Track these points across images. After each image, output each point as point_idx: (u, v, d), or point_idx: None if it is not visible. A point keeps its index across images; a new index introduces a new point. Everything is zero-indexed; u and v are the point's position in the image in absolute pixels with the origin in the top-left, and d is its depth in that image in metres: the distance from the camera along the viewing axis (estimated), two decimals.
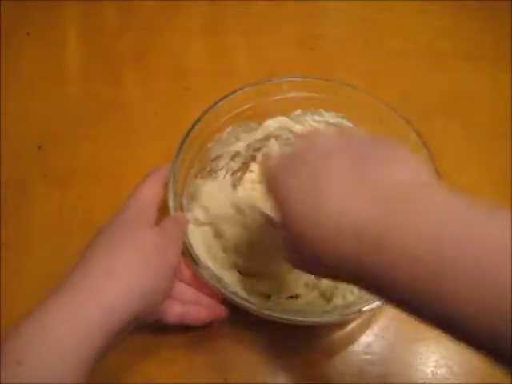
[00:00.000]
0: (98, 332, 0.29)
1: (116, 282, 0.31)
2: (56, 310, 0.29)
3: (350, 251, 0.24)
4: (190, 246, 0.39)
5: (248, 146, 0.49)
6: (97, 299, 0.30)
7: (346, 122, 0.47)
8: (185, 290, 0.39)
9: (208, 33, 0.62)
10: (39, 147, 0.53)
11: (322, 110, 0.47)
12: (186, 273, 0.39)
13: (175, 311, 0.37)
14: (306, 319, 0.37)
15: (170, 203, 0.40)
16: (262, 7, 0.65)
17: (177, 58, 0.60)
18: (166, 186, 0.40)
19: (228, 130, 0.46)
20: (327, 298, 0.43)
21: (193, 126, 0.43)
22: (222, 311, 0.39)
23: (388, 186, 0.24)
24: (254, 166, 0.50)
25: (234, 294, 0.38)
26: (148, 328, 0.37)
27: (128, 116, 0.56)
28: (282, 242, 0.30)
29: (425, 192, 0.24)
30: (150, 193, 0.38)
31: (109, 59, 0.60)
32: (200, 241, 0.43)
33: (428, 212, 0.22)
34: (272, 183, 0.30)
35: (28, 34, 0.62)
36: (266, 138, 0.49)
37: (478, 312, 0.20)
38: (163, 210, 0.39)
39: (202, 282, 0.38)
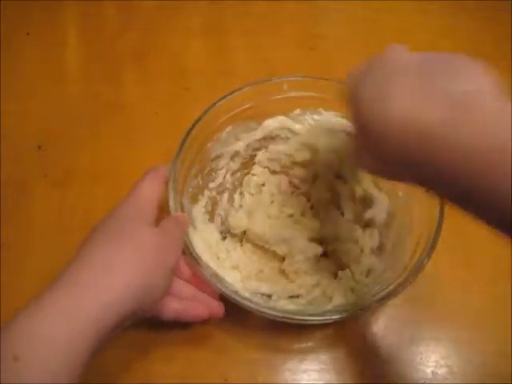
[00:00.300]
0: (94, 327, 0.29)
1: (113, 278, 0.31)
2: (51, 304, 0.29)
3: (414, 147, 0.27)
4: (191, 245, 0.39)
5: (247, 145, 0.48)
6: (93, 294, 0.30)
7: (345, 122, 0.47)
8: (183, 287, 0.39)
9: (208, 33, 0.62)
10: (39, 147, 0.53)
11: (321, 109, 0.47)
12: (186, 271, 0.39)
13: (173, 307, 0.37)
14: (307, 318, 0.37)
15: (171, 203, 0.40)
16: (262, 7, 0.65)
17: (177, 57, 0.60)
18: (166, 185, 0.40)
19: (228, 129, 0.46)
20: (328, 297, 0.43)
21: (193, 125, 0.43)
22: (219, 308, 0.39)
23: (455, 93, 0.27)
24: (258, 169, 0.50)
25: (235, 293, 0.38)
26: (145, 324, 0.37)
27: (128, 116, 0.56)
28: (355, 147, 0.35)
29: (489, 102, 0.26)
30: (149, 191, 0.38)
31: (109, 59, 0.60)
32: (200, 241, 0.43)
33: (490, 119, 0.25)
34: (349, 93, 0.33)
35: (28, 33, 0.62)
36: (266, 137, 0.49)
37: None
38: (163, 210, 0.39)
39: (201, 280, 0.38)
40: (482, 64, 0.29)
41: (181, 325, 0.39)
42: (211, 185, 0.48)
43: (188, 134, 0.42)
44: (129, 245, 0.33)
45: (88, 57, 0.61)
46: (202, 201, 0.47)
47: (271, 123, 0.48)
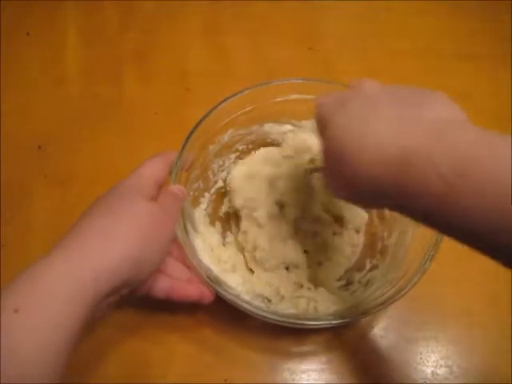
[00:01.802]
0: (91, 289, 0.30)
1: (110, 245, 0.32)
2: (50, 265, 0.30)
3: (389, 173, 0.27)
4: (192, 247, 0.39)
5: (248, 148, 0.49)
6: (90, 260, 0.31)
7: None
8: (175, 267, 0.39)
9: (208, 33, 0.62)
10: (39, 147, 0.53)
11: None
12: (178, 252, 0.39)
13: (163, 285, 0.37)
14: (307, 323, 0.37)
15: (172, 175, 0.40)
16: (262, 7, 0.65)
17: (177, 58, 0.60)
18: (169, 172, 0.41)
19: (229, 132, 0.46)
20: (327, 302, 0.43)
21: (194, 128, 0.42)
22: (209, 293, 0.39)
23: (431, 121, 0.27)
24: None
25: (236, 296, 0.38)
26: (136, 305, 0.37)
27: (128, 116, 0.56)
28: (325, 175, 0.34)
29: (463, 127, 0.26)
30: (152, 169, 0.39)
31: (109, 59, 0.60)
32: (201, 243, 0.43)
33: (466, 145, 0.24)
34: (322, 119, 0.33)
35: (28, 33, 0.62)
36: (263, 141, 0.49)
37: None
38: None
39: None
40: (447, 96, 0.30)
41: (177, 326, 0.39)
42: (212, 188, 0.48)
43: (189, 136, 0.42)
44: (126, 214, 0.34)
45: (88, 57, 0.60)
46: (204, 204, 0.47)
47: (272, 126, 0.48)
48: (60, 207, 0.50)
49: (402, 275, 0.39)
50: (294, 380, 0.42)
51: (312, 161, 0.48)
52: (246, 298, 0.40)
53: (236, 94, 0.44)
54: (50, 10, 0.64)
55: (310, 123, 0.48)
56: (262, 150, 0.49)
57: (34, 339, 0.27)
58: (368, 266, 0.45)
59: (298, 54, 0.61)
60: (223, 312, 0.42)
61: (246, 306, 0.37)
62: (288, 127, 0.49)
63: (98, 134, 0.54)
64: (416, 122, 0.27)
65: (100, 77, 0.59)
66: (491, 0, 0.65)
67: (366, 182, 0.28)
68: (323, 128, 0.32)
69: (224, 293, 0.37)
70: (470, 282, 0.46)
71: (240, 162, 0.49)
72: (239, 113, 0.46)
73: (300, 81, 0.46)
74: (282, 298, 0.43)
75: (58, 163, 0.52)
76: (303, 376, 0.42)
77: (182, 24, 0.63)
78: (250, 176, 0.47)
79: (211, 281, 0.38)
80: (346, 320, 0.37)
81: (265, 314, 0.36)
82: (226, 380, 0.41)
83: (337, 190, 0.33)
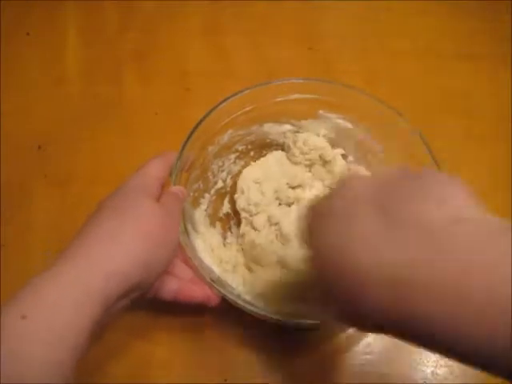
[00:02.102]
0: (101, 295, 0.30)
1: (120, 249, 0.32)
2: (59, 273, 0.29)
3: (386, 299, 0.23)
4: (193, 247, 0.39)
5: (248, 148, 0.49)
6: (100, 265, 0.30)
7: (345, 123, 0.47)
8: (182, 269, 0.39)
9: (208, 33, 0.62)
10: (39, 147, 0.53)
11: (321, 111, 0.47)
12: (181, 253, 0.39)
13: (171, 287, 0.37)
14: (307, 322, 0.37)
15: (173, 176, 0.40)
16: (262, 7, 0.65)
17: (177, 58, 0.60)
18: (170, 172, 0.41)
19: (229, 132, 0.46)
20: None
21: (193, 129, 0.42)
22: (215, 296, 0.38)
23: (418, 228, 0.23)
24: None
25: (238, 296, 0.38)
26: (143, 308, 0.37)
27: (128, 116, 0.56)
28: (321, 294, 0.29)
29: (455, 232, 0.22)
30: (155, 170, 0.39)
31: (109, 59, 0.60)
32: (202, 244, 0.43)
33: (459, 257, 0.21)
34: (308, 235, 0.29)
35: (28, 33, 0.62)
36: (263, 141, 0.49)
37: None
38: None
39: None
40: (453, 179, 0.25)
41: (180, 328, 0.39)
42: (212, 188, 0.48)
43: (189, 137, 0.42)
44: (133, 216, 0.34)
45: (88, 57, 0.60)
46: (204, 204, 0.47)
47: (271, 126, 0.48)
48: (60, 207, 0.50)
49: None
50: (294, 380, 0.42)
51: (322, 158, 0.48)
52: (247, 298, 0.40)
53: (235, 94, 0.44)
54: (50, 10, 0.64)
55: (309, 123, 0.48)
56: (275, 153, 0.50)
57: (39, 347, 0.26)
58: None
59: (298, 53, 0.61)
60: (224, 312, 0.43)
61: (247, 305, 0.37)
62: (287, 127, 0.49)
63: (98, 134, 0.54)
64: (403, 231, 0.23)
65: (100, 77, 0.59)
66: (491, 0, 0.65)
67: (365, 309, 0.24)
68: (312, 247, 0.29)
69: (226, 294, 0.37)
70: None
71: (252, 163, 0.49)
72: (239, 113, 0.46)
73: (300, 81, 0.46)
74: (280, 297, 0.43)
75: (58, 163, 0.52)
76: (303, 376, 0.42)
77: (182, 24, 0.63)
78: (259, 180, 0.47)
79: (214, 282, 0.38)
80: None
81: (266, 314, 0.36)
82: (225, 380, 0.41)
83: (336, 313, 0.29)
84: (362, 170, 0.48)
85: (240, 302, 0.37)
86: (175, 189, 0.40)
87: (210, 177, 0.48)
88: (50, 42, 0.61)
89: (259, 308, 0.37)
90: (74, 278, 0.29)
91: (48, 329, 0.27)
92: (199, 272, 0.38)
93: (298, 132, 0.49)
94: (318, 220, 0.28)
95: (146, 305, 0.40)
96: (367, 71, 0.59)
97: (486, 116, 0.57)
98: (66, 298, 0.28)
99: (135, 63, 0.60)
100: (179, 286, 0.38)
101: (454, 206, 0.23)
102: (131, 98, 0.57)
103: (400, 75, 0.59)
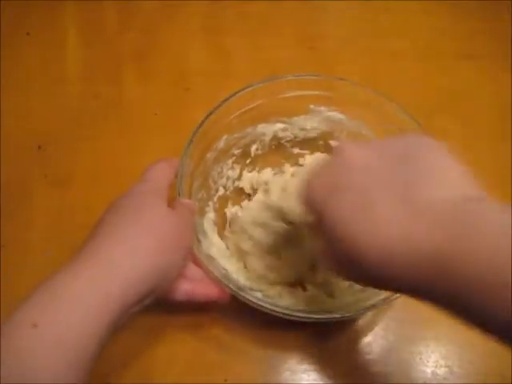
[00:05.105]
0: (118, 302, 0.29)
1: (136, 254, 0.31)
2: (72, 279, 0.29)
3: (405, 273, 0.25)
4: (201, 244, 0.40)
5: (244, 152, 0.49)
6: (118, 271, 0.30)
7: (345, 119, 0.47)
8: (194, 270, 0.39)
9: (208, 33, 0.62)
10: (39, 147, 0.53)
11: (322, 107, 0.47)
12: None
13: (184, 288, 0.37)
14: (309, 316, 0.37)
15: (179, 187, 0.40)
16: (262, 7, 0.65)
17: (177, 58, 0.60)
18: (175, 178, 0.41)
19: (224, 138, 0.46)
20: (332, 297, 0.43)
21: (191, 138, 0.42)
22: (225, 292, 0.39)
23: (436, 206, 0.25)
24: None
25: (245, 291, 0.38)
26: (156, 309, 0.37)
27: (128, 116, 0.56)
28: (325, 255, 0.31)
29: (473, 210, 0.25)
30: (162, 173, 0.39)
31: (109, 59, 0.60)
32: (211, 246, 0.43)
33: (483, 236, 0.23)
34: (313, 205, 0.31)
35: (28, 33, 0.62)
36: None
37: None
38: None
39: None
40: (445, 147, 0.28)
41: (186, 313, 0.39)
42: (214, 196, 0.48)
43: (188, 145, 0.42)
44: (152, 222, 0.34)
45: (88, 57, 0.60)
46: (210, 213, 0.47)
47: (264, 127, 0.48)
48: (60, 207, 0.50)
49: None
50: (294, 380, 0.42)
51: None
52: (257, 294, 0.40)
53: (227, 99, 0.44)
54: (50, 10, 0.64)
55: (301, 119, 0.48)
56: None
57: (49, 358, 0.26)
58: None
59: (298, 53, 0.61)
60: (224, 313, 0.43)
61: (255, 300, 0.37)
62: (279, 126, 0.49)
63: (97, 134, 0.54)
64: (423, 206, 0.25)
65: (100, 77, 0.59)
66: (491, 0, 0.65)
67: (373, 271, 0.27)
68: (317, 214, 0.30)
69: (234, 288, 0.37)
70: None
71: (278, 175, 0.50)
72: (231, 117, 0.46)
73: (290, 77, 0.46)
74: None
75: (58, 163, 0.52)
76: (303, 376, 0.42)
77: (181, 24, 0.63)
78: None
79: (230, 283, 0.38)
80: (350, 315, 0.38)
81: (274, 308, 0.37)
82: (226, 380, 0.41)
83: (341, 273, 0.32)
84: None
85: (248, 297, 0.37)
86: (186, 201, 0.40)
87: (212, 184, 0.48)
88: (50, 41, 0.61)
89: (267, 302, 0.38)
90: (93, 283, 0.29)
91: (58, 342, 0.26)
92: (206, 269, 0.38)
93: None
94: (326, 192, 0.29)
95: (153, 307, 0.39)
96: (367, 71, 0.59)
97: (486, 116, 0.57)
98: (82, 305, 0.28)
99: (135, 63, 0.60)
100: (193, 286, 0.38)
101: (457, 185, 0.27)
102: (131, 98, 0.57)
103: (400, 75, 0.59)
